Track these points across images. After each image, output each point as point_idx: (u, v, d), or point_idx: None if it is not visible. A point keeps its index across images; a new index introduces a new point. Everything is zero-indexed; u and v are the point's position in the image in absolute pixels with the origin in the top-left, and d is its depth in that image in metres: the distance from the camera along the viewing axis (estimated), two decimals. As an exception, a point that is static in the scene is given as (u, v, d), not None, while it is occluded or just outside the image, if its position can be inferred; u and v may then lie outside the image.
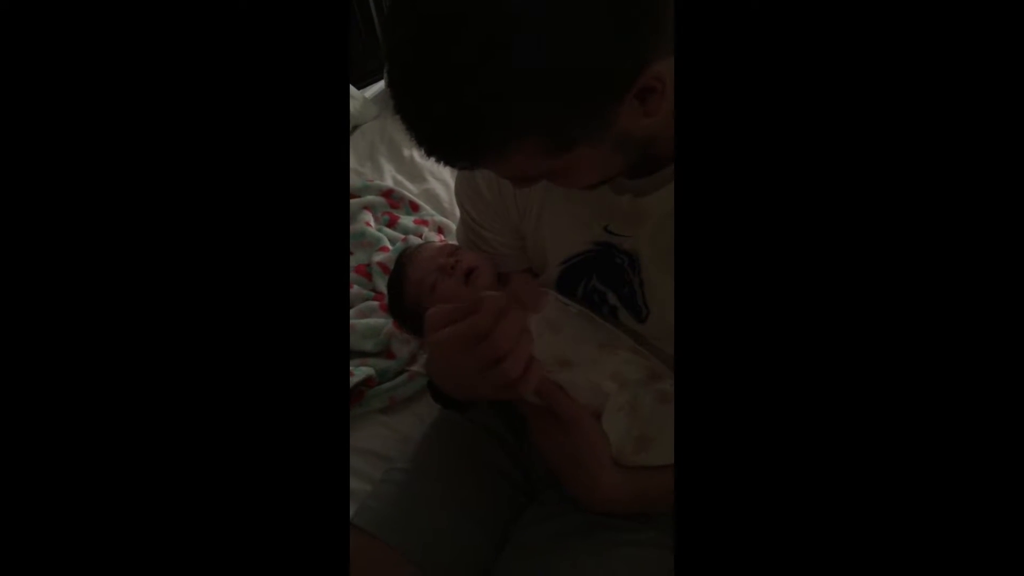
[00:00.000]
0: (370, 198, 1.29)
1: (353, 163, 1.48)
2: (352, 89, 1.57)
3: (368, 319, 1.01)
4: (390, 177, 1.40)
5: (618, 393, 0.59)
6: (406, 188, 1.35)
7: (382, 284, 1.05)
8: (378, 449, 0.88)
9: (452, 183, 1.18)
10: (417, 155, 1.41)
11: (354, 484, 0.81)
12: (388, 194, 1.31)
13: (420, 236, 1.19)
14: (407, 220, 1.25)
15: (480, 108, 0.40)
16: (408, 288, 0.73)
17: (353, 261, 1.16)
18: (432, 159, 0.44)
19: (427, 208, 1.29)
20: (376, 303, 1.04)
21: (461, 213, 0.74)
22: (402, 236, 1.20)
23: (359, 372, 0.91)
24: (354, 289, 1.10)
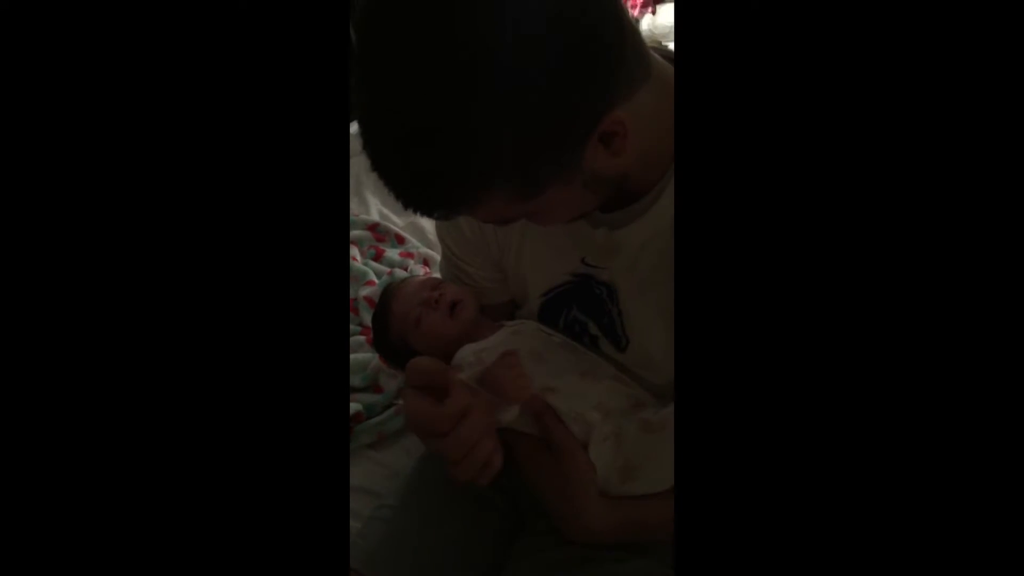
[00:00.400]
0: (356, 232, 1.30)
1: (339, 198, 1.49)
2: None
3: (355, 354, 1.01)
4: (376, 211, 1.41)
5: (603, 423, 0.60)
6: (391, 221, 1.36)
7: (368, 318, 1.06)
8: (367, 485, 0.88)
9: (436, 216, 1.19)
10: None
11: (343, 521, 0.80)
12: (374, 228, 1.32)
13: (406, 269, 1.20)
14: (393, 253, 1.26)
15: (447, 163, 0.41)
16: (393, 322, 0.74)
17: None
18: (409, 211, 0.45)
19: (413, 240, 1.31)
20: (363, 338, 1.05)
21: (442, 248, 0.75)
22: (388, 269, 1.21)
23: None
24: (341, 324, 1.10)
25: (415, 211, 0.46)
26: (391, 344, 0.75)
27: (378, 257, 1.26)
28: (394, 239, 1.31)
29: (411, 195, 0.44)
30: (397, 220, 1.38)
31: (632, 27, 0.45)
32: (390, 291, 0.78)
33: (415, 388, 0.52)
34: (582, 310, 0.66)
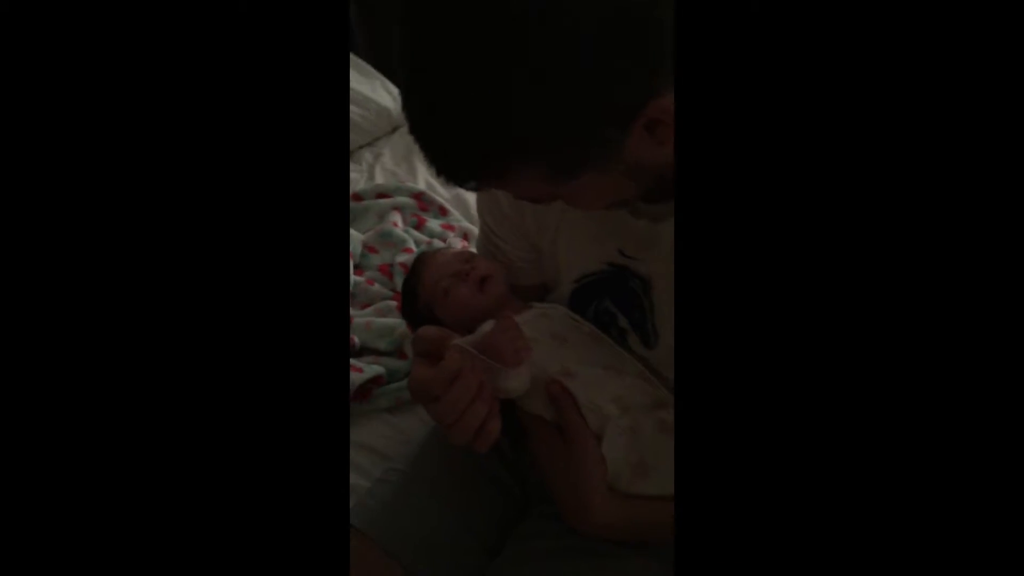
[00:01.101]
0: (401, 199, 1.31)
1: (389, 164, 1.50)
2: (394, 88, 1.60)
3: (384, 318, 1.02)
4: (423, 180, 1.42)
5: (619, 417, 0.59)
6: (437, 192, 1.36)
7: (401, 284, 1.06)
8: (380, 447, 0.89)
9: (481, 191, 1.18)
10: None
11: (354, 479, 0.82)
12: (419, 196, 1.32)
13: (444, 241, 1.20)
14: (434, 224, 1.26)
15: (479, 133, 0.41)
16: (421, 291, 0.74)
17: (377, 260, 1.18)
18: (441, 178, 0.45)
19: (455, 214, 1.30)
20: (394, 303, 1.05)
21: (480, 223, 0.75)
22: (427, 239, 1.21)
23: (369, 370, 0.92)
24: (375, 287, 1.11)
25: (447, 179, 0.45)
26: (418, 312, 0.75)
27: (419, 226, 1.26)
28: (437, 210, 1.31)
29: (443, 162, 0.43)
30: (443, 192, 1.38)
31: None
32: (422, 259, 0.78)
33: (419, 355, 0.52)
34: (614, 302, 0.65)
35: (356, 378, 0.91)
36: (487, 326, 0.64)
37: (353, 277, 1.13)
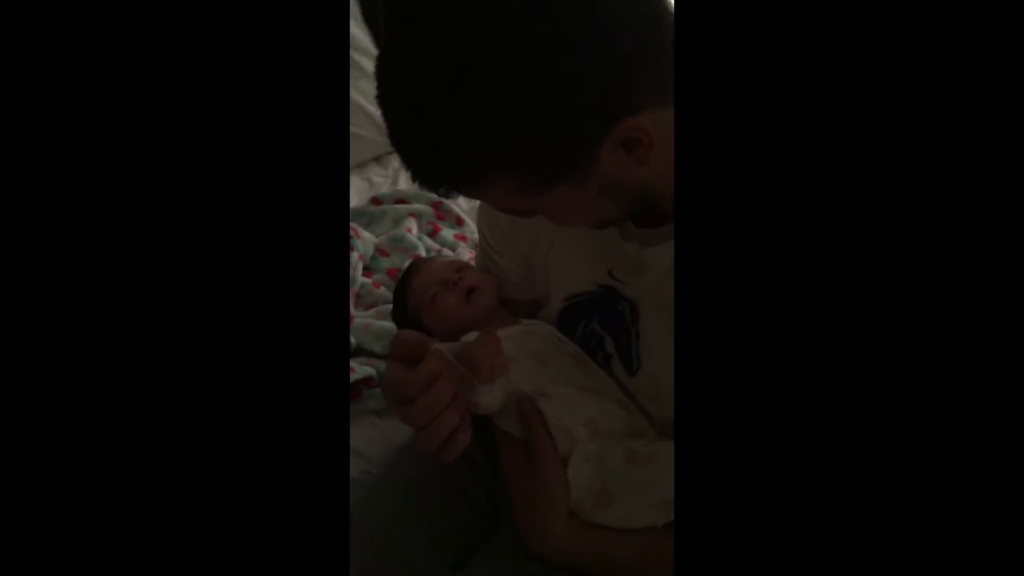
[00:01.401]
0: (419, 206, 1.32)
1: (414, 170, 1.51)
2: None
3: (384, 321, 1.02)
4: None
5: (588, 442, 0.57)
6: (457, 202, 1.37)
7: (407, 290, 1.07)
8: (363, 449, 0.88)
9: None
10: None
11: (331, 479, 0.81)
12: (437, 205, 1.33)
13: (454, 251, 1.20)
14: (448, 233, 1.26)
15: (451, 140, 0.41)
16: (410, 297, 0.74)
17: (387, 263, 1.18)
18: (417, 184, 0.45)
19: (471, 225, 1.31)
20: (396, 307, 1.06)
21: (479, 235, 0.75)
22: (438, 247, 1.21)
23: (361, 371, 0.92)
24: (380, 290, 1.11)
25: (421, 184, 0.45)
26: (407, 318, 0.75)
27: (434, 234, 1.27)
28: (454, 220, 1.32)
29: (417, 168, 0.44)
30: (463, 203, 1.38)
31: (666, 45, 0.42)
32: (414, 266, 0.78)
33: (396, 358, 0.51)
34: (602, 324, 0.64)
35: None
36: (470, 337, 0.63)
37: (361, 279, 1.14)
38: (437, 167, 0.44)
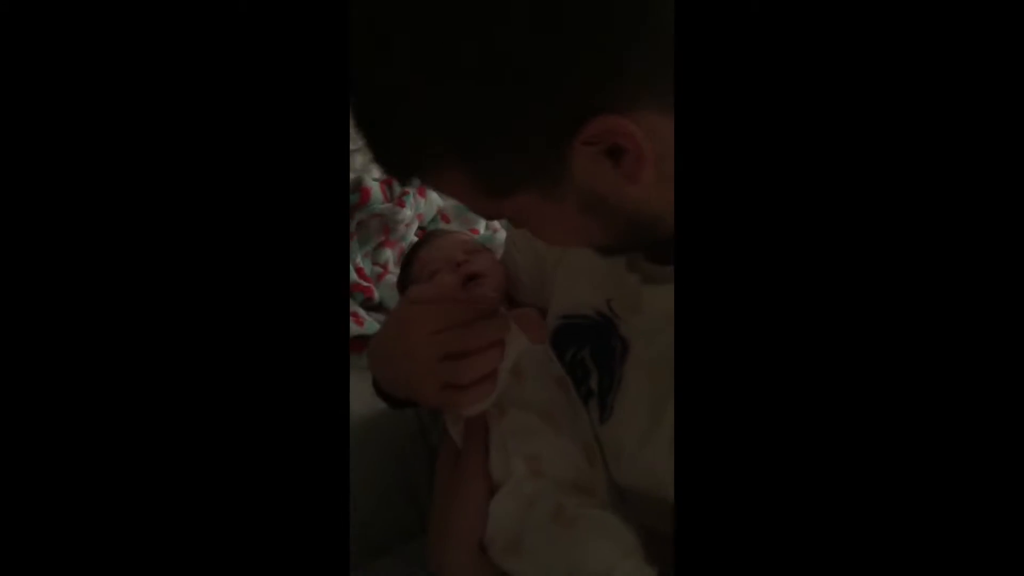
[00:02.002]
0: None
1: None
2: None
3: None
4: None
5: (524, 479, 0.51)
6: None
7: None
8: (354, 406, 0.86)
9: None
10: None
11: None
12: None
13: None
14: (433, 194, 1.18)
15: (404, 127, 0.35)
16: (415, 266, 0.69)
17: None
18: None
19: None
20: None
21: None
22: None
23: (370, 326, 0.90)
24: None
25: (386, 172, 0.40)
26: (407, 287, 0.71)
27: None
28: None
29: (376, 153, 0.38)
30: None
31: (663, 30, 0.32)
32: (428, 236, 0.74)
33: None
34: (593, 356, 0.56)
35: (355, 330, 0.89)
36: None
37: (413, 237, 1.11)
38: (394, 156, 0.38)
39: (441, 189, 0.40)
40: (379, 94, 0.35)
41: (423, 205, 1.17)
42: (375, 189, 1.09)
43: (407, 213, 1.09)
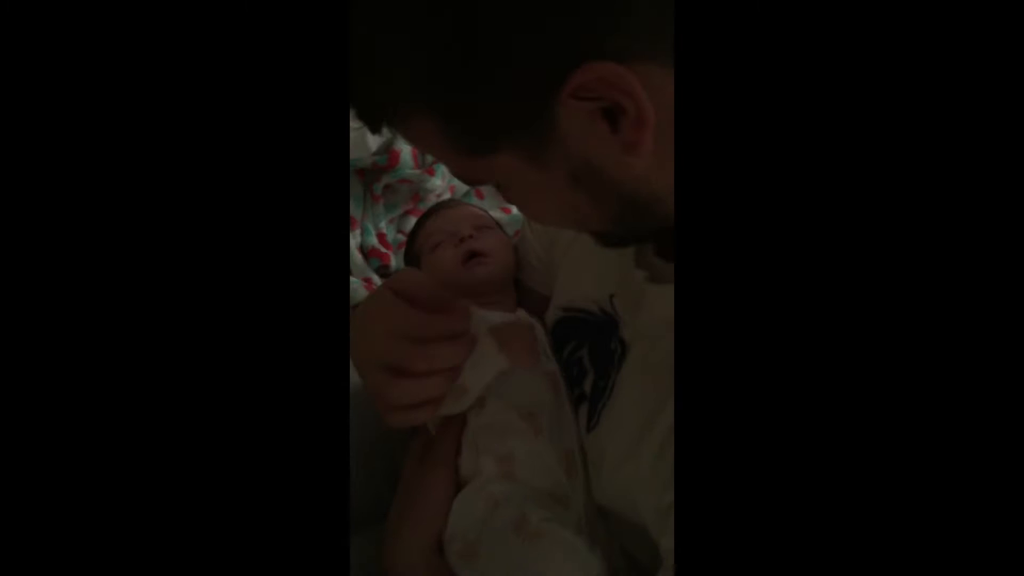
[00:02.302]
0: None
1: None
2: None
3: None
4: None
5: (492, 480, 0.46)
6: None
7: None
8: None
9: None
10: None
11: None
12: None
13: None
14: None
15: (376, 70, 0.30)
16: (420, 236, 0.65)
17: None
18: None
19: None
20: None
21: None
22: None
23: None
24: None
25: (361, 122, 0.34)
26: (411, 256, 0.67)
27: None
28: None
29: (353, 101, 0.33)
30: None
31: None
32: (438, 206, 0.70)
33: (398, 293, 0.43)
34: (591, 357, 0.51)
35: (364, 295, 0.86)
36: (497, 316, 0.54)
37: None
38: (362, 101, 0.32)
39: (416, 142, 0.35)
40: (359, 38, 0.30)
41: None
42: (405, 153, 1.05)
43: (437, 182, 1.05)
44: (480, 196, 1.14)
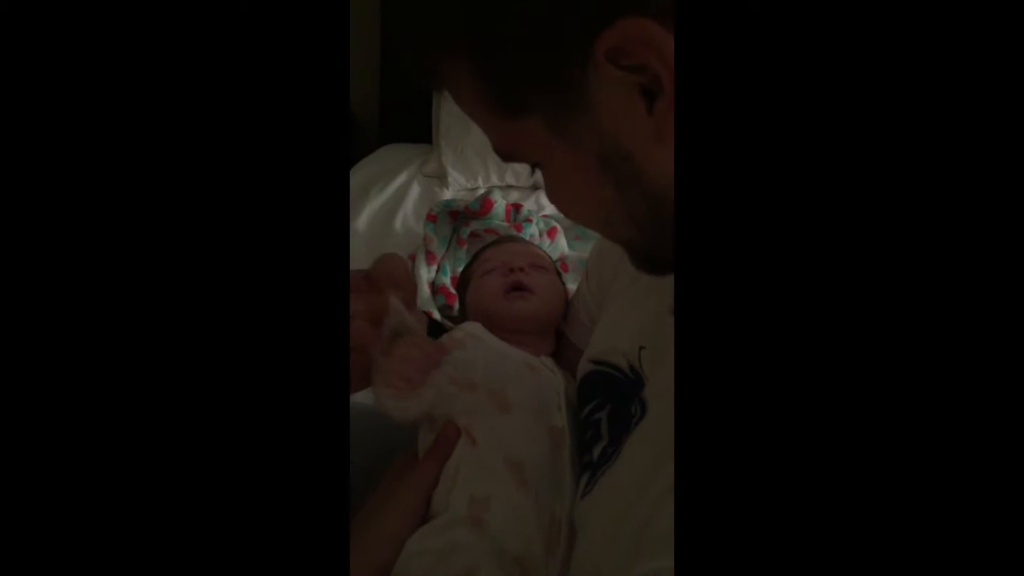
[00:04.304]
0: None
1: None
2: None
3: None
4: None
5: (459, 525, 0.40)
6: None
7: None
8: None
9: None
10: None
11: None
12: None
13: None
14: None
15: (421, 21, 0.30)
16: (478, 259, 0.63)
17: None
18: None
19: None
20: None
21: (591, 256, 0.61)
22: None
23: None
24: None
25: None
26: (464, 278, 0.64)
27: (552, 234, 1.11)
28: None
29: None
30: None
31: None
32: (506, 238, 0.68)
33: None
34: (609, 421, 0.45)
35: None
36: (469, 326, 0.51)
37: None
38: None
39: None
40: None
41: (547, 245, 1.12)
42: (499, 205, 1.06)
43: (502, 206, 1.05)
44: (552, 237, 1.11)
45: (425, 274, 0.99)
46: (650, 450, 0.35)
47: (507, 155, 0.33)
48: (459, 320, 0.85)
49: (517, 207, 1.09)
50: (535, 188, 1.27)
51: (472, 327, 0.52)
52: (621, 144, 0.28)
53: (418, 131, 1.45)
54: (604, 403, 0.46)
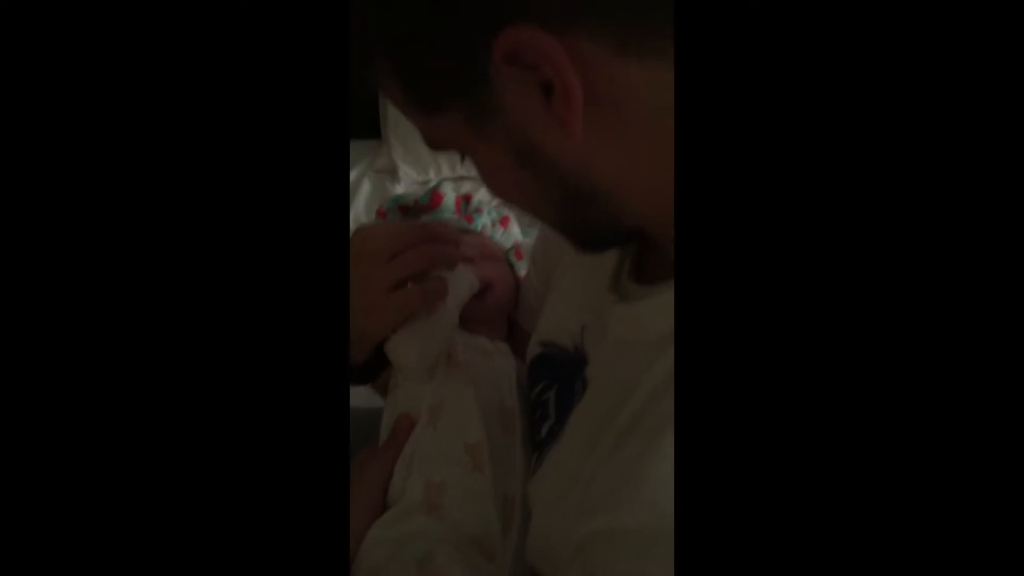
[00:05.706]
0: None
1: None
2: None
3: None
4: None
5: (415, 510, 0.41)
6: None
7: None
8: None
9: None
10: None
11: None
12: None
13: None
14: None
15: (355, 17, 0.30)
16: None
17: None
18: None
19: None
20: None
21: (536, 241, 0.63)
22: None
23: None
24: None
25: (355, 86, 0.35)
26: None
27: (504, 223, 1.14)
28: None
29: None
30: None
31: None
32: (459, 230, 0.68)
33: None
34: (557, 400, 0.46)
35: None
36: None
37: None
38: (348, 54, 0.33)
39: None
40: None
41: (501, 234, 1.13)
42: (448, 198, 1.07)
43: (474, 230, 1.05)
44: (505, 225, 1.13)
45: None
46: (588, 423, 0.37)
47: (434, 146, 0.34)
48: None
49: (467, 198, 1.10)
50: (486, 178, 1.29)
51: None
52: (530, 138, 0.30)
53: (366, 127, 1.44)
54: (552, 383, 0.48)
